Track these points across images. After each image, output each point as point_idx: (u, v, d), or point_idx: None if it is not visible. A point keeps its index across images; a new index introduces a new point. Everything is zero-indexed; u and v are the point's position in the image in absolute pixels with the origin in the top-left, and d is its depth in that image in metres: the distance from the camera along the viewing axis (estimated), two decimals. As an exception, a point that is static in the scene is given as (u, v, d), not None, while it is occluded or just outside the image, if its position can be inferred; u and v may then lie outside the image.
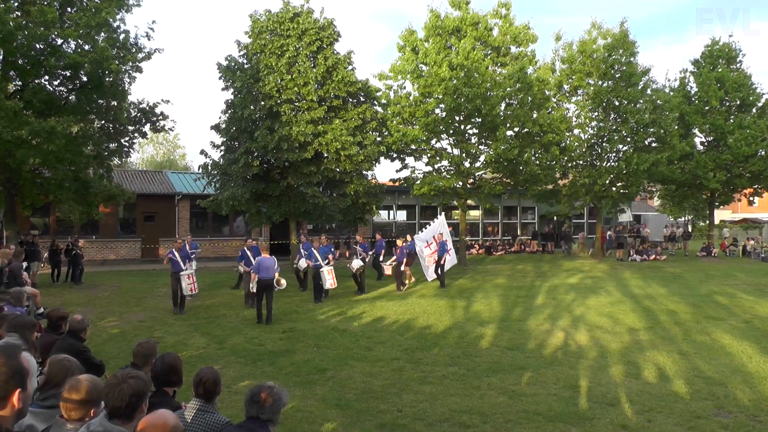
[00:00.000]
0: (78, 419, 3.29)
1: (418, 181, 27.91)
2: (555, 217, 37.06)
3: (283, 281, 15.78)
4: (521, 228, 40.97)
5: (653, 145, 30.71)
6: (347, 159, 23.90)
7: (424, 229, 23.48)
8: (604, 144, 30.61)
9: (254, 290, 15.33)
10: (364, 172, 26.20)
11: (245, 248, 19.24)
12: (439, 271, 21.29)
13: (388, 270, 21.69)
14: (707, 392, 8.94)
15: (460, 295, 19.17)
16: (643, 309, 16.45)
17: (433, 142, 28.02)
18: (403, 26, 45.68)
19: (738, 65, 34.80)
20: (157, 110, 22.67)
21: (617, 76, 29.69)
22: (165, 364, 4.82)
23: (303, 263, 19.36)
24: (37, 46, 18.49)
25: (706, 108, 33.93)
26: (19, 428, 3.01)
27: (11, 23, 17.18)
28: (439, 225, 22.69)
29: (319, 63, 24.30)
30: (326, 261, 18.38)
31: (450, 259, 22.35)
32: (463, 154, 27.67)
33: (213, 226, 33.32)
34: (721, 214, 51.60)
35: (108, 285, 21.69)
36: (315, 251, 18.57)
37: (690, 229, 47.14)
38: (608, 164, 30.98)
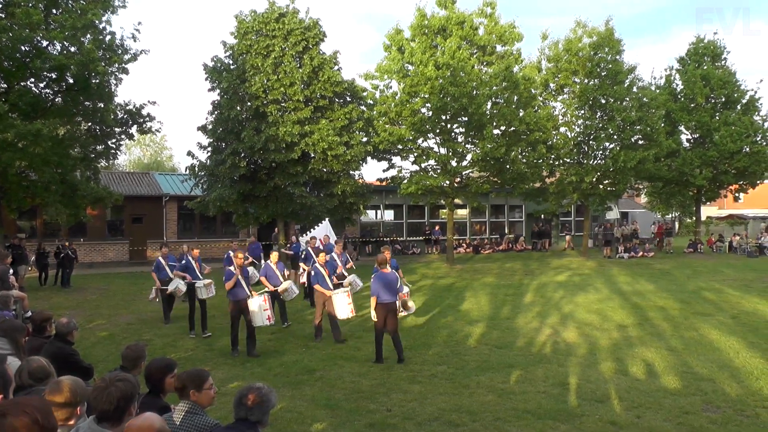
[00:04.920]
0: (63, 421, 3.27)
1: (405, 181, 27.84)
2: (542, 215, 37.10)
3: (412, 304, 12.32)
4: (509, 226, 41.00)
5: (640, 142, 30.80)
6: (334, 159, 23.88)
7: (310, 232, 22.58)
8: (590, 142, 30.67)
9: (373, 317, 10.78)
10: (351, 172, 26.19)
11: (230, 251, 16.40)
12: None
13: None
14: (696, 388, 9.01)
15: (448, 294, 19.19)
16: (631, 305, 16.54)
17: (419, 141, 27.97)
18: (388, 27, 45.80)
19: (723, 62, 35.07)
20: (144, 112, 22.53)
21: (603, 74, 29.71)
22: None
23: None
24: (23, 48, 18.35)
25: (692, 105, 34.16)
26: None
27: (-5, 26, 17.07)
28: (325, 228, 21.01)
29: (305, 63, 24.29)
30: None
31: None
32: (450, 153, 27.66)
33: (201, 228, 33.12)
34: (707, 211, 51.93)
35: (96, 288, 21.56)
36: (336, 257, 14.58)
37: (676, 226, 47.35)
38: (595, 162, 31.04)
